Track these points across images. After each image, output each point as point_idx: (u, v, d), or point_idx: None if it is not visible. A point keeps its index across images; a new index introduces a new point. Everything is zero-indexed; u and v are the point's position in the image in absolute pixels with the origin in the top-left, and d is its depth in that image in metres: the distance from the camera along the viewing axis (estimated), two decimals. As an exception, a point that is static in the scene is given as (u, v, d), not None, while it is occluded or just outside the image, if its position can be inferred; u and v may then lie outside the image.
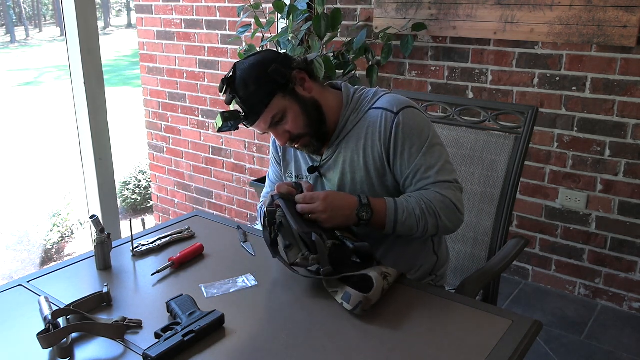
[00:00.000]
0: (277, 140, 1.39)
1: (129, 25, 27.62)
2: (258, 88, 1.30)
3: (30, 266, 4.62)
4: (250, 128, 1.36)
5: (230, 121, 1.31)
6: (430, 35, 2.80)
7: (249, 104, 1.30)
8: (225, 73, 1.34)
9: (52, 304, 1.15)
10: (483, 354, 1.02)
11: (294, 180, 1.50)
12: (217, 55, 3.62)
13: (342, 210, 1.27)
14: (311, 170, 1.44)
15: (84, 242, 5.01)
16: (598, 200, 2.58)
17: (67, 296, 1.19)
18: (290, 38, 2.72)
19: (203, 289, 1.25)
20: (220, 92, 1.33)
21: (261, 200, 1.59)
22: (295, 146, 1.39)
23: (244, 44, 3.27)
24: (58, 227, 4.97)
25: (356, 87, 1.45)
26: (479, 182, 1.67)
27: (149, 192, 5.07)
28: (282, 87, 1.32)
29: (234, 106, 1.35)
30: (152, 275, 1.31)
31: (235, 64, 1.34)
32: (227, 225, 1.62)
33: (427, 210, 1.29)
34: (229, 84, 1.31)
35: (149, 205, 5.18)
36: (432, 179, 1.32)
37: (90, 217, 1.35)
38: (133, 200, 5.43)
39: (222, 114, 1.31)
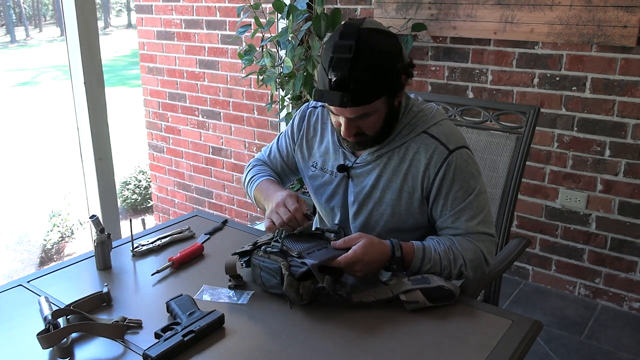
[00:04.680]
0: (344, 130, 1.25)
1: (129, 25, 27.61)
2: (375, 81, 1.18)
3: (30, 266, 4.62)
4: (330, 107, 1.23)
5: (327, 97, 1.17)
6: (430, 35, 2.80)
7: (356, 90, 1.16)
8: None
9: (52, 304, 1.15)
10: (483, 354, 1.02)
11: (317, 170, 1.44)
12: (217, 55, 3.62)
13: (377, 263, 1.20)
14: (341, 169, 1.38)
15: (84, 242, 5.01)
16: (598, 200, 2.58)
17: (67, 296, 1.19)
18: (290, 38, 2.72)
19: (203, 288, 1.25)
20: (333, 51, 1.16)
21: (253, 164, 1.56)
22: (352, 139, 1.28)
23: (244, 44, 3.27)
24: (58, 227, 4.97)
25: (414, 97, 1.36)
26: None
27: (149, 192, 5.07)
28: (390, 91, 1.22)
29: (330, 75, 1.16)
30: (152, 275, 1.31)
31: (360, 31, 1.16)
32: (227, 225, 1.62)
33: (454, 261, 1.24)
34: (354, 57, 1.14)
35: (149, 205, 5.18)
36: (472, 228, 1.28)
37: (90, 217, 1.35)
38: (133, 200, 5.43)
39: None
